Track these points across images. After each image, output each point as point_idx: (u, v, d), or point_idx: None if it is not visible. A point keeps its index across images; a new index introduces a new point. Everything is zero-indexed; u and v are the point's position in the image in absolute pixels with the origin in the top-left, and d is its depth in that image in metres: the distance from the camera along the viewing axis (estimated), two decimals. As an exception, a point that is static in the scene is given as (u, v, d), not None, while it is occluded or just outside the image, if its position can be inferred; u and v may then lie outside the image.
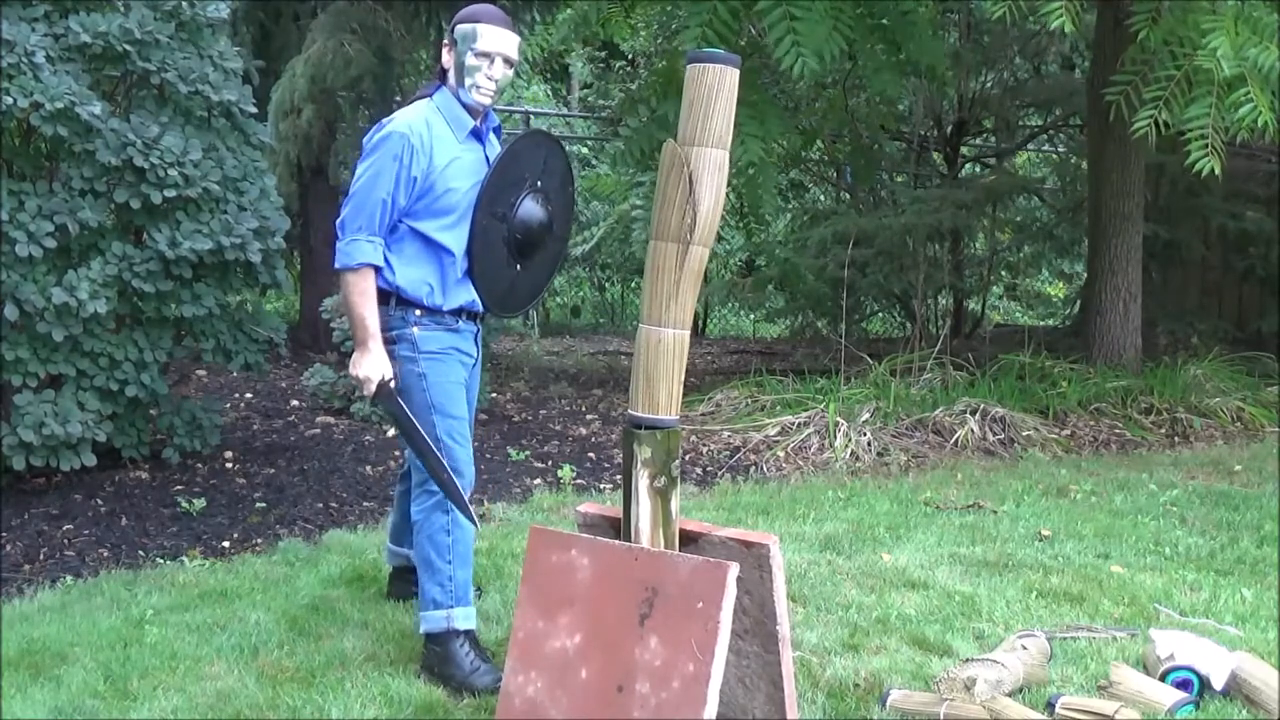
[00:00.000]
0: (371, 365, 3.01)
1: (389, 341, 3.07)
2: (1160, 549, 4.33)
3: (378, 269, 3.01)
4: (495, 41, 3.05)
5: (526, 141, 3.22)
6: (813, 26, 5.49)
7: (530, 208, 3.17)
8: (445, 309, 3.10)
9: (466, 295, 3.13)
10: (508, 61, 3.09)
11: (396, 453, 5.60)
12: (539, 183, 3.18)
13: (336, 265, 3.02)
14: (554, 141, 3.34)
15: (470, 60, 3.05)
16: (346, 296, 3.00)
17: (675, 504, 2.52)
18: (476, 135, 3.14)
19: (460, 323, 3.14)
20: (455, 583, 3.06)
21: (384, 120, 3.08)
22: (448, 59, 3.11)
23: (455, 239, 3.08)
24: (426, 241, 3.06)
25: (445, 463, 3.04)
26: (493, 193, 3.09)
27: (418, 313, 3.07)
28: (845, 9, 5.84)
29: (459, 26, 3.08)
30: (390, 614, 3.48)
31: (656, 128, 6.36)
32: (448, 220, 3.06)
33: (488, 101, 3.10)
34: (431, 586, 3.07)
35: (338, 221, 3.05)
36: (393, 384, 3.03)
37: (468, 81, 3.07)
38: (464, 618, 3.06)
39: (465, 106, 3.11)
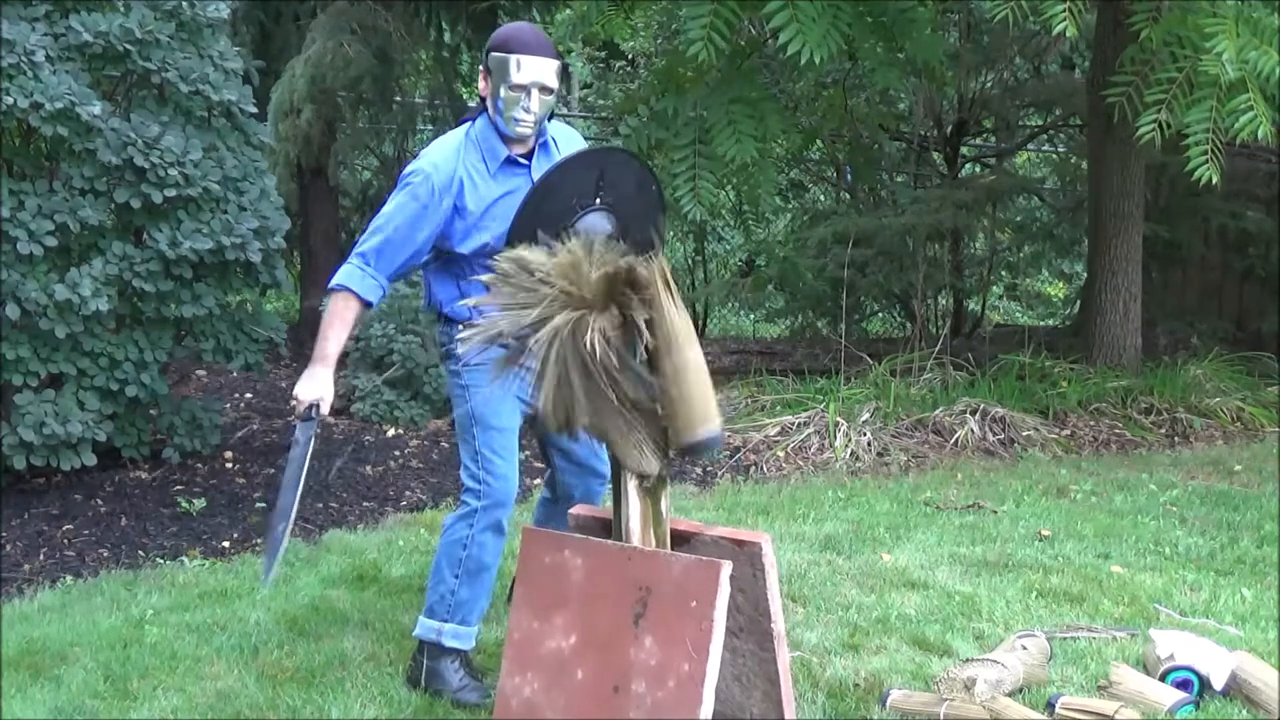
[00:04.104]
0: (306, 386, 2.90)
1: (443, 357, 3.12)
2: (1160, 549, 4.32)
3: (367, 303, 2.95)
4: (531, 72, 2.90)
5: (562, 173, 2.91)
6: (812, 23, 5.49)
7: (592, 223, 2.86)
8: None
9: None
10: (545, 90, 2.93)
11: (396, 453, 5.60)
12: (598, 199, 2.91)
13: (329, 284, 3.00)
14: (612, 154, 3.18)
15: (506, 94, 2.91)
16: (325, 313, 2.97)
17: (665, 504, 2.52)
18: (514, 162, 3.00)
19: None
20: (456, 599, 2.98)
21: (421, 151, 3.02)
22: (484, 87, 2.97)
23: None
24: (464, 264, 3.02)
25: (291, 516, 2.84)
26: (527, 229, 2.82)
27: (460, 328, 2.95)
28: (845, 8, 5.83)
29: (493, 55, 2.93)
30: (390, 614, 3.48)
31: (655, 126, 6.36)
32: (483, 254, 2.97)
33: (528, 133, 2.96)
34: (433, 594, 3.03)
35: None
36: (316, 411, 2.90)
37: (505, 115, 2.93)
38: (453, 636, 2.98)
39: (503, 137, 2.98)
